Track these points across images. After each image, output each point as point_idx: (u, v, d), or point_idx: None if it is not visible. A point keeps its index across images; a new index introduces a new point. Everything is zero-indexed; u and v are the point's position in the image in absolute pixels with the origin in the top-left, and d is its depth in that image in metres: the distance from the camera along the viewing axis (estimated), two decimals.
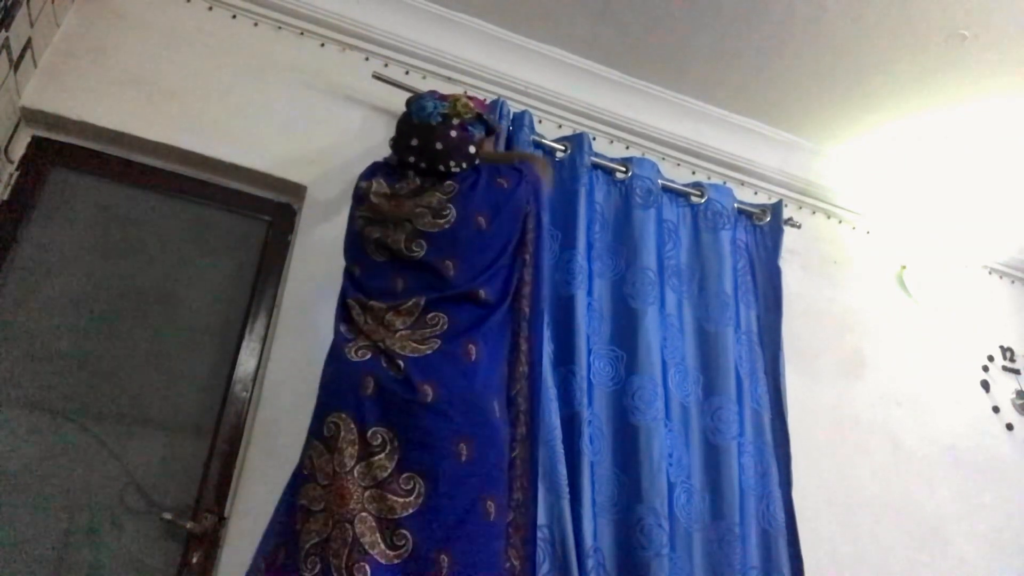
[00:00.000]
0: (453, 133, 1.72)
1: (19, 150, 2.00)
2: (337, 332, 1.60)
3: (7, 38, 1.77)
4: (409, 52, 2.45)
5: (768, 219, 2.59)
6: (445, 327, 1.52)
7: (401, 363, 1.46)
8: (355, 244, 1.72)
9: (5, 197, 1.93)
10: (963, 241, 3.09)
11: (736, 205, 2.56)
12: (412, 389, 1.42)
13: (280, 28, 2.34)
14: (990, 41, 2.29)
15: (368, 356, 1.49)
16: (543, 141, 2.37)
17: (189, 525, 1.77)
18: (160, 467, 1.85)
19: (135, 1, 2.18)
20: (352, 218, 1.78)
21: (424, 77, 2.46)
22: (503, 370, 1.62)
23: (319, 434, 1.44)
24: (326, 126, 2.27)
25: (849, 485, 2.49)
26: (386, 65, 2.42)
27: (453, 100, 1.79)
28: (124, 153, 2.09)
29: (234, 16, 2.30)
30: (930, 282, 2.96)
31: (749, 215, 2.60)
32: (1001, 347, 3.00)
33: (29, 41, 1.89)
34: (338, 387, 1.49)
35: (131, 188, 2.09)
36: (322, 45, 2.38)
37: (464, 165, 1.74)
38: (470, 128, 1.76)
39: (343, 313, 1.63)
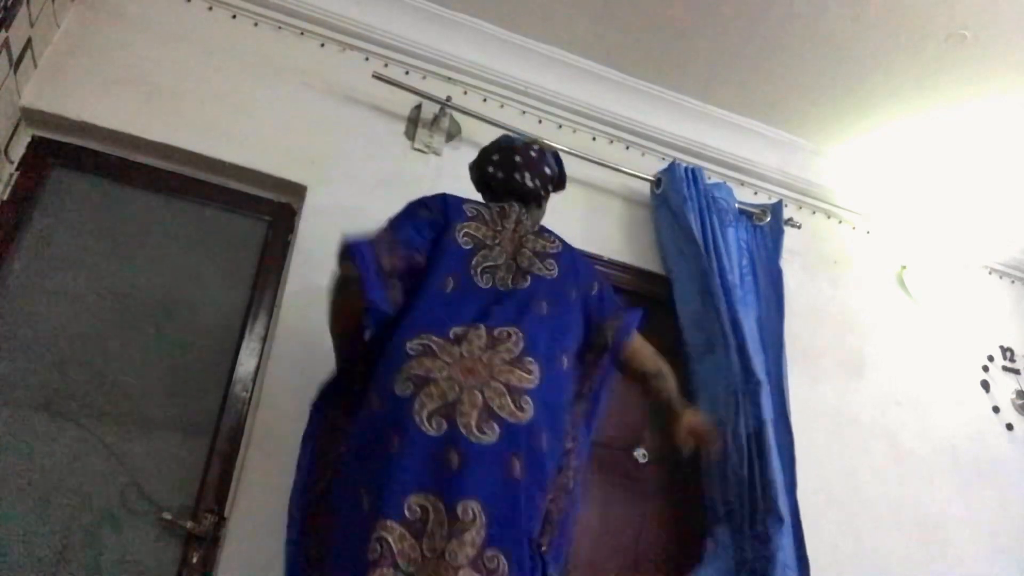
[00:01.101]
0: (532, 153, 1.78)
1: (19, 150, 2.00)
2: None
3: (7, 38, 1.77)
4: (409, 52, 2.45)
5: (768, 219, 2.59)
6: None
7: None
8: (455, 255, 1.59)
9: (5, 197, 1.93)
10: (963, 241, 3.09)
11: (736, 205, 2.56)
12: None
13: (280, 28, 2.34)
14: (990, 41, 2.29)
15: (444, 429, 1.36)
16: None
17: (189, 525, 1.77)
18: (160, 467, 1.84)
19: (135, 1, 2.19)
20: (449, 227, 1.62)
21: (424, 77, 2.46)
22: None
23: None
24: (326, 126, 2.27)
25: (849, 485, 2.49)
26: (386, 65, 2.42)
27: (534, 138, 1.92)
28: (124, 153, 2.09)
29: (234, 16, 2.30)
30: (930, 282, 2.96)
31: (749, 215, 2.60)
32: (1001, 347, 3.00)
33: (29, 41, 1.90)
34: None
35: (131, 188, 2.09)
36: (322, 45, 2.38)
37: (538, 183, 1.76)
38: (548, 156, 1.82)
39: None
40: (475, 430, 1.29)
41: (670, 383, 1.67)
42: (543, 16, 2.46)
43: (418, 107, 2.40)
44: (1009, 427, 2.84)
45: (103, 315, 1.94)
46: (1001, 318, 3.09)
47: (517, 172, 1.74)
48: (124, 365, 1.91)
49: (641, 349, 1.67)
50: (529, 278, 1.57)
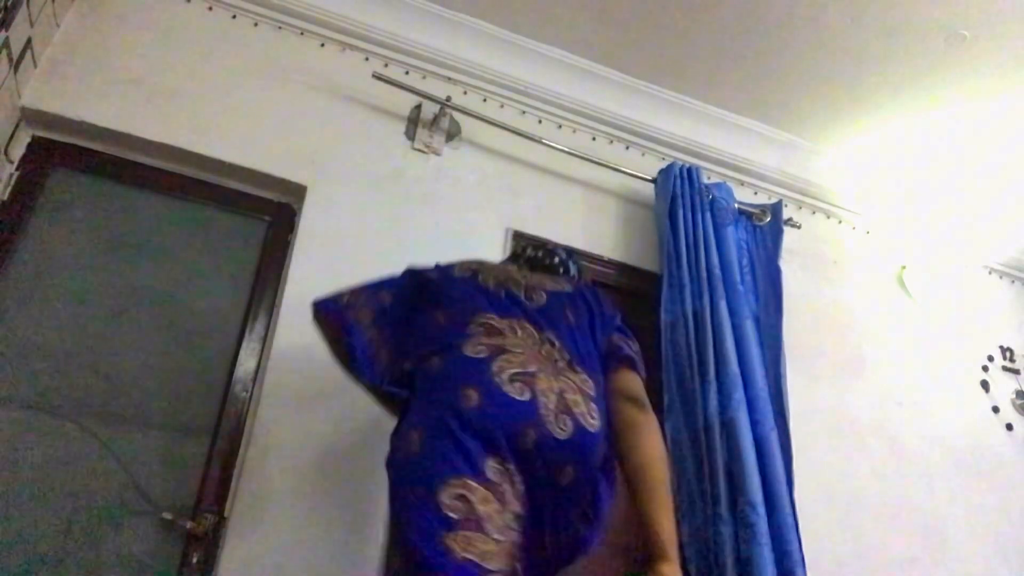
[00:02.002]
0: (558, 257, 1.82)
1: (19, 150, 2.00)
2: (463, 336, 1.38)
3: (7, 38, 1.77)
4: (409, 52, 2.46)
5: (768, 219, 2.59)
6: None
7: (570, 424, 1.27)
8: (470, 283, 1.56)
9: (5, 197, 1.93)
10: (963, 241, 3.09)
11: (736, 205, 2.56)
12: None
13: (280, 28, 2.35)
14: (990, 41, 2.29)
15: (528, 396, 1.26)
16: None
17: (189, 525, 1.77)
18: (160, 467, 1.84)
19: (135, 1, 2.19)
20: (434, 278, 1.59)
21: (424, 77, 2.46)
22: None
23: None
24: (326, 126, 2.27)
25: (849, 485, 2.49)
26: (386, 65, 2.42)
27: None
28: (124, 153, 2.10)
29: (234, 16, 2.30)
30: (930, 282, 2.96)
31: (749, 215, 2.60)
32: (1001, 347, 3.00)
33: (29, 41, 1.90)
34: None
35: (131, 188, 2.08)
36: (322, 45, 2.38)
37: (540, 253, 1.78)
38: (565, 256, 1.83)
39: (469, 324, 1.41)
40: (553, 417, 1.23)
41: (656, 486, 1.35)
42: (543, 16, 2.46)
43: (418, 107, 2.40)
44: (1009, 427, 2.84)
45: (103, 315, 1.94)
46: (1001, 318, 3.09)
47: (520, 248, 1.82)
48: (124, 365, 1.91)
49: (625, 389, 1.46)
50: (543, 293, 1.51)
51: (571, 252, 1.86)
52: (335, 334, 1.50)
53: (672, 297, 2.33)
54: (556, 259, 1.77)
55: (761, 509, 2.03)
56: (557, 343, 1.37)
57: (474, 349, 1.30)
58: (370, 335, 1.47)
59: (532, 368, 1.28)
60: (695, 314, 2.28)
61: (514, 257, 1.81)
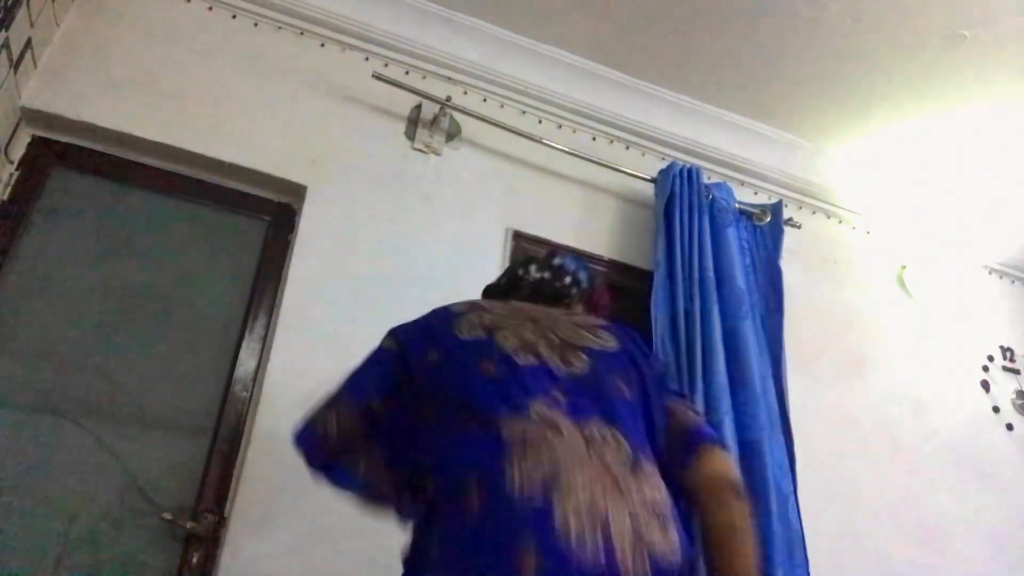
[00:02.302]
0: (539, 255, 1.59)
1: (19, 150, 2.00)
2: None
3: (7, 38, 1.77)
4: (409, 52, 2.45)
5: (768, 219, 2.59)
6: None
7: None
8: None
9: (5, 197, 1.93)
10: (963, 241, 3.09)
11: (736, 205, 2.56)
12: None
13: (280, 28, 2.35)
14: (990, 41, 2.29)
15: (601, 547, 0.94)
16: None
17: (189, 525, 1.77)
18: (160, 467, 1.84)
19: (135, 1, 2.19)
20: (437, 335, 1.27)
21: (424, 77, 2.46)
22: None
23: None
24: (326, 126, 2.27)
25: (849, 485, 2.49)
26: (386, 65, 2.42)
27: None
28: (124, 153, 2.09)
29: (234, 16, 2.30)
30: (930, 282, 2.96)
31: (749, 215, 2.60)
32: (1001, 347, 3.00)
33: (29, 41, 1.89)
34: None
35: (131, 188, 2.08)
36: (322, 45, 2.38)
37: (549, 276, 1.46)
38: (561, 256, 1.53)
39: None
40: (631, 564, 0.93)
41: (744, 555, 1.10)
42: (543, 16, 2.46)
43: (418, 107, 2.40)
44: (1009, 427, 2.84)
45: (103, 315, 1.94)
46: (1001, 318, 3.09)
47: (519, 268, 1.47)
48: (124, 365, 1.91)
49: (721, 477, 1.16)
50: (584, 355, 1.17)
51: (577, 260, 1.54)
52: (320, 477, 1.23)
53: (664, 297, 2.31)
54: (567, 280, 1.44)
55: None
56: (611, 435, 1.05)
57: (521, 483, 0.96)
58: (364, 468, 1.21)
59: (597, 494, 0.96)
60: (686, 314, 2.27)
61: (514, 284, 1.45)
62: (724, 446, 1.23)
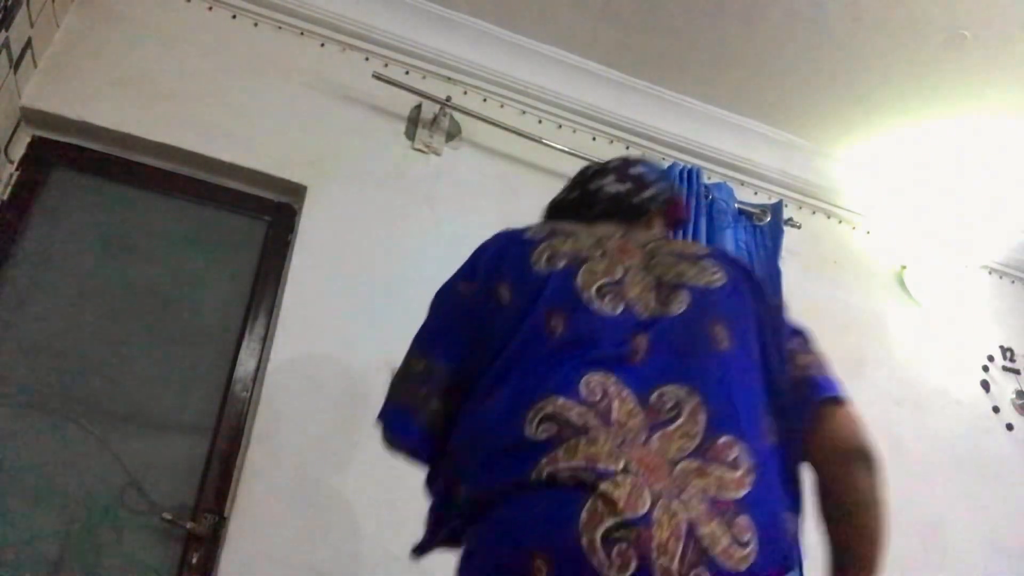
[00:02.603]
0: (615, 162, 1.33)
1: (19, 150, 2.00)
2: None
3: (7, 38, 1.77)
4: (409, 52, 2.45)
5: (768, 219, 2.59)
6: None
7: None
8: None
9: (5, 197, 1.93)
10: (963, 241, 3.09)
11: (736, 205, 2.56)
12: None
13: (280, 28, 2.34)
14: (990, 41, 2.28)
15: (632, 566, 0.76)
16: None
17: (189, 525, 1.77)
18: (160, 467, 1.84)
19: (135, 1, 2.19)
20: (517, 262, 1.08)
21: (424, 77, 2.46)
22: None
23: None
24: (326, 126, 2.27)
25: None
26: (386, 65, 2.42)
27: None
28: (124, 153, 2.10)
29: (234, 16, 2.30)
30: (930, 282, 2.96)
31: (749, 215, 2.60)
32: (1001, 347, 3.00)
33: (29, 41, 1.90)
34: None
35: (131, 188, 2.09)
36: (322, 45, 2.38)
37: (628, 188, 1.27)
38: (635, 161, 1.34)
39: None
40: None
41: (871, 540, 0.98)
42: (543, 16, 2.46)
43: (418, 107, 2.40)
44: (1009, 427, 2.84)
45: (103, 315, 1.94)
46: (1001, 318, 3.09)
47: (592, 182, 1.27)
48: (124, 365, 1.91)
49: (845, 444, 0.99)
50: (685, 293, 0.98)
51: (652, 165, 1.33)
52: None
53: None
54: (649, 192, 1.24)
55: None
56: (687, 402, 0.87)
57: (553, 468, 0.82)
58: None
59: (635, 509, 0.78)
60: None
61: (586, 200, 1.26)
62: (847, 402, 1.01)
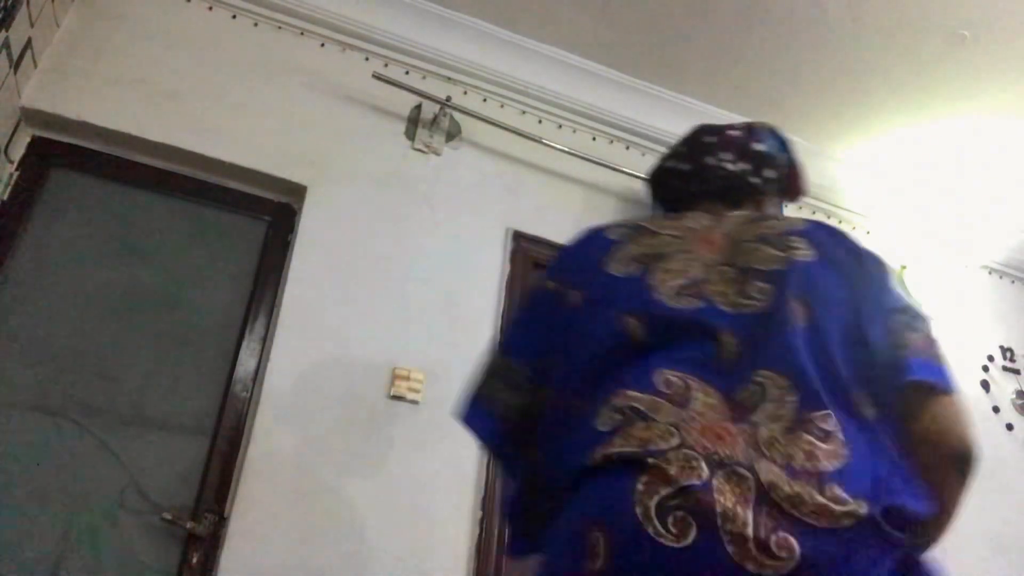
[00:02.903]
0: (734, 132, 1.25)
1: (19, 150, 2.00)
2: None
3: (7, 38, 1.77)
4: (409, 52, 2.45)
5: None
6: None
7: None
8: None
9: (5, 197, 1.93)
10: (963, 241, 3.09)
11: None
12: None
13: (280, 28, 2.35)
14: (990, 41, 2.29)
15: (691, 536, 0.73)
16: None
17: (189, 525, 1.77)
18: (160, 467, 1.84)
19: (135, 1, 2.19)
20: (592, 267, 1.06)
21: (424, 77, 2.46)
22: None
23: None
24: (326, 126, 2.27)
25: None
26: (386, 65, 2.42)
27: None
28: (124, 153, 2.10)
29: (234, 16, 2.30)
30: (930, 282, 2.96)
31: None
32: (1001, 347, 3.00)
33: (29, 41, 1.90)
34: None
35: (131, 188, 2.09)
36: (322, 45, 2.38)
37: (748, 167, 1.19)
38: (757, 132, 1.27)
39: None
40: (752, 545, 0.70)
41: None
42: (543, 16, 2.46)
43: (418, 107, 2.40)
44: (1009, 427, 2.84)
45: (103, 315, 1.94)
46: (1001, 318, 3.09)
47: (708, 156, 1.20)
48: (124, 365, 1.91)
49: (939, 439, 0.90)
50: (766, 282, 0.93)
51: (773, 133, 1.27)
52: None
53: None
54: (770, 173, 1.21)
55: None
56: (771, 384, 0.83)
57: (605, 452, 0.81)
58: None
59: (697, 476, 0.75)
60: None
61: (700, 174, 1.20)
62: (948, 391, 0.93)
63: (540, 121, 2.60)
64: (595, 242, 1.09)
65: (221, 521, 1.79)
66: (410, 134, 2.38)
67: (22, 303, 1.88)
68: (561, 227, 2.46)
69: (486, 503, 2.00)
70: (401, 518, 1.92)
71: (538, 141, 2.46)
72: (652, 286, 0.96)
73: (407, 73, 2.44)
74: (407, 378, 2.03)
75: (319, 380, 1.97)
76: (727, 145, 1.20)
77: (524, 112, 2.58)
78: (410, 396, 2.02)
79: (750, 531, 0.71)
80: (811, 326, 0.88)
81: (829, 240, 1.00)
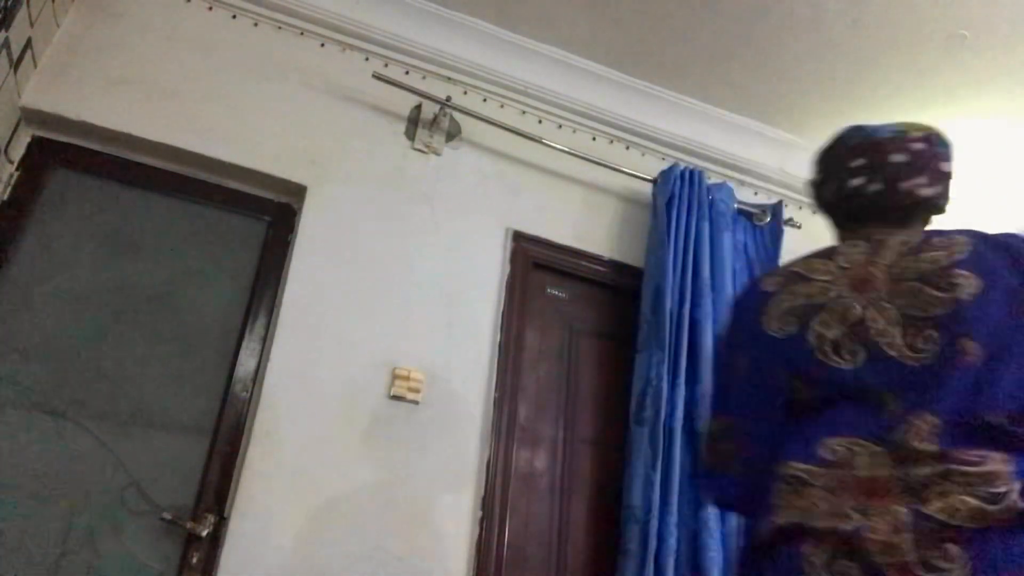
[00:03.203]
0: (919, 145, 1.17)
1: (19, 150, 2.00)
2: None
3: (7, 38, 1.77)
4: (409, 52, 2.45)
5: (768, 219, 2.59)
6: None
7: None
8: (792, 348, 1.01)
9: (5, 197, 1.93)
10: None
11: (736, 205, 2.56)
12: None
13: (280, 28, 2.34)
14: (990, 41, 2.29)
15: None
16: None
17: (189, 525, 1.77)
18: (160, 467, 1.85)
19: (135, 1, 2.19)
20: (755, 321, 1.07)
21: (424, 77, 2.46)
22: None
23: None
24: (326, 126, 2.27)
25: None
26: (386, 65, 2.42)
27: (903, 123, 1.25)
28: (124, 153, 2.10)
29: (234, 16, 2.30)
30: None
31: (749, 215, 2.60)
32: None
33: (29, 41, 1.90)
34: None
35: (131, 188, 2.09)
36: (322, 45, 2.38)
37: (940, 191, 1.16)
38: (939, 145, 1.19)
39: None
40: (914, 567, 0.76)
41: None
42: (543, 16, 2.46)
43: (418, 107, 2.40)
44: None
45: (103, 315, 1.94)
46: None
47: (905, 180, 1.13)
48: (124, 365, 1.91)
49: None
50: (935, 324, 0.91)
51: (940, 138, 1.19)
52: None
53: (652, 297, 2.32)
54: (933, 191, 1.13)
55: (672, 513, 2.03)
56: (933, 429, 0.84)
57: (771, 527, 0.91)
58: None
59: (850, 516, 0.83)
60: (676, 316, 2.27)
61: (844, 194, 1.16)
62: None
63: (540, 121, 2.60)
64: (752, 297, 1.10)
65: (221, 521, 1.79)
66: (410, 134, 2.38)
67: (22, 303, 1.88)
68: (561, 227, 2.47)
69: (486, 503, 2.01)
70: (401, 518, 1.92)
71: (538, 141, 2.46)
72: (811, 345, 0.97)
73: (407, 73, 2.44)
74: (407, 378, 2.03)
75: (319, 380, 1.97)
76: (920, 167, 1.14)
77: (524, 112, 2.58)
78: (410, 396, 2.02)
79: (912, 557, 0.76)
80: (980, 365, 0.88)
81: (996, 261, 0.95)
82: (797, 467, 0.90)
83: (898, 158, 1.14)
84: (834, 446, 0.89)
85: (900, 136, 1.18)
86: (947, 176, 1.16)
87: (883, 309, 0.95)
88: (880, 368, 0.92)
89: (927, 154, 1.15)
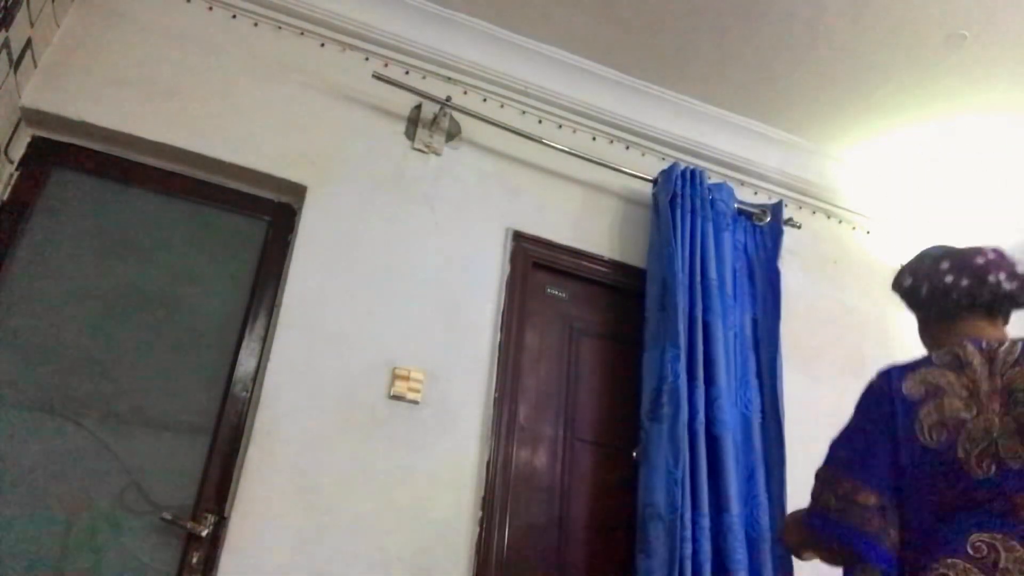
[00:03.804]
0: (992, 254, 1.38)
1: (19, 150, 2.00)
2: None
3: (7, 38, 1.77)
4: (409, 52, 2.46)
5: (768, 219, 2.59)
6: None
7: None
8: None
9: (5, 197, 1.93)
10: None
11: (736, 205, 2.56)
12: None
13: (280, 28, 2.35)
14: (990, 41, 2.29)
15: None
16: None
17: (189, 525, 1.77)
18: (160, 467, 1.85)
19: (135, 1, 2.19)
20: (901, 423, 1.25)
21: (424, 77, 2.46)
22: None
23: None
24: (326, 126, 2.27)
25: None
26: (386, 65, 2.42)
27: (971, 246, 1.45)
28: (124, 153, 2.10)
29: (234, 16, 2.30)
30: None
31: (749, 215, 2.60)
32: None
33: (29, 41, 1.90)
34: None
35: (131, 188, 2.09)
36: (322, 45, 2.38)
37: (1018, 287, 1.32)
38: (1007, 255, 1.38)
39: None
40: None
41: None
42: (543, 16, 2.46)
43: (418, 107, 2.40)
44: None
45: (103, 315, 1.94)
46: None
47: (990, 274, 1.32)
48: (124, 365, 1.91)
49: None
50: None
51: (1005, 257, 1.35)
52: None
53: (656, 293, 2.32)
54: (1006, 285, 1.31)
55: (704, 515, 2.04)
56: None
57: None
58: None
59: None
60: (683, 314, 2.27)
61: (937, 299, 1.45)
62: None
63: (540, 121, 2.60)
64: (901, 400, 1.27)
65: (221, 521, 1.79)
66: (410, 134, 2.38)
67: (22, 303, 1.88)
68: (561, 227, 2.47)
69: (486, 503, 2.01)
70: (401, 518, 1.92)
71: (538, 141, 2.46)
72: (961, 459, 1.12)
73: (407, 73, 2.44)
74: (407, 378, 2.03)
75: (319, 380, 1.97)
76: (999, 266, 1.33)
77: (524, 112, 2.58)
78: (410, 396, 2.02)
79: None
80: None
81: None
82: (948, 562, 1.05)
83: (980, 260, 1.34)
84: (977, 542, 1.05)
85: (976, 248, 1.39)
86: (1021, 277, 1.32)
87: (1006, 424, 1.12)
88: (1011, 475, 1.08)
89: (1002, 256, 1.35)
